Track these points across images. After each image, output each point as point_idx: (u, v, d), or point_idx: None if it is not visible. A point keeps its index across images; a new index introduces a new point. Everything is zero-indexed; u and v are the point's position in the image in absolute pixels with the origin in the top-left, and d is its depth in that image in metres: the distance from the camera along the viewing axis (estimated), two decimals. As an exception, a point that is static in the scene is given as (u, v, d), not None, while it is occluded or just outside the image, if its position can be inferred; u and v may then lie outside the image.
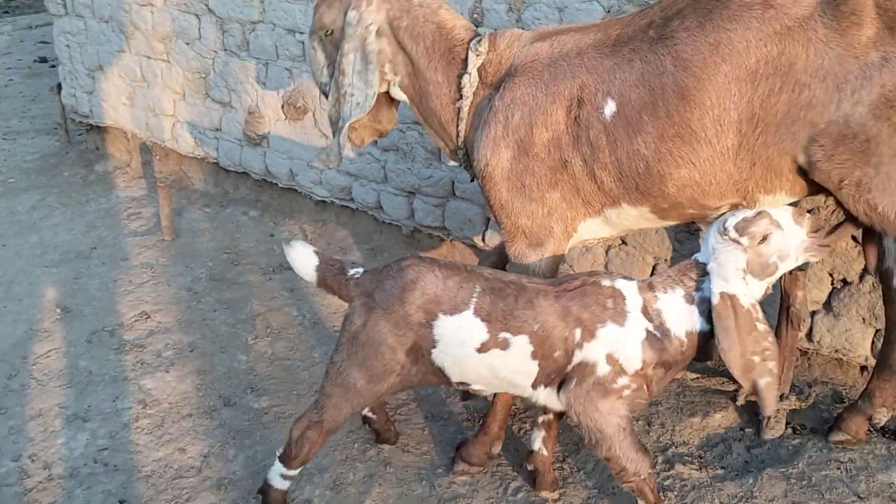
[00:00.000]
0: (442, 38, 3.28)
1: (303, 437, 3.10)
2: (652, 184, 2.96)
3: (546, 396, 3.02)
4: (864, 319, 3.74)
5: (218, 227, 6.00)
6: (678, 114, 2.83)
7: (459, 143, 3.36)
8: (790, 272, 3.26)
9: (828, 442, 3.48)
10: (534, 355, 2.90)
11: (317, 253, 3.16)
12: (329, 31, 3.38)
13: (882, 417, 3.43)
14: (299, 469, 3.20)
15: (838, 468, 3.35)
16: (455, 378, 3.03)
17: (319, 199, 5.89)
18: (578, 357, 2.89)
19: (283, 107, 5.81)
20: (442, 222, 5.18)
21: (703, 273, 2.86)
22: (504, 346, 2.90)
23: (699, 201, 2.98)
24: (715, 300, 2.78)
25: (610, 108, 2.93)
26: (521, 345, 2.89)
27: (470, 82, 3.23)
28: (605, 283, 2.93)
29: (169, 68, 6.51)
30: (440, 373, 3.02)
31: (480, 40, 3.22)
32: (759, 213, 2.80)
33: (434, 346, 2.95)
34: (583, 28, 3.13)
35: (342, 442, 3.71)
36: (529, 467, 3.39)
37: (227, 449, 3.70)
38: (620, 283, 2.94)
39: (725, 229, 2.80)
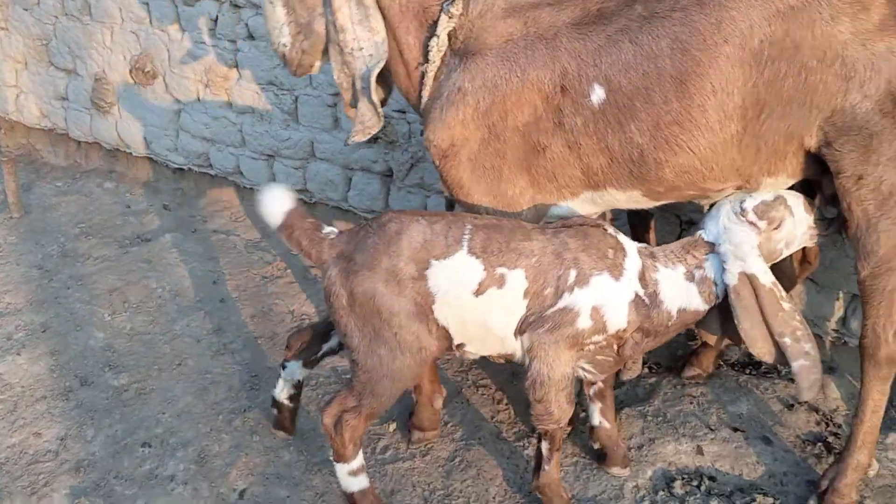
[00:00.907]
0: None
1: (341, 425, 2.87)
2: (647, 170, 2.80)
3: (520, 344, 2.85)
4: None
5: (70, 201, 5.74)
6: (677, 100, 2.65)
7: (421, 107, 3.14)
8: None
9: (681, 378, 3.62)
10: (525, 293, 2.73)
11: (291, 196, 2.91)
12: None
13: (731, 353, 3.58)
14: (357, 455, 2.96)
15: (691, 403, 3.50)
16: (457, 338, 2.83)
17: (177, 166, 5.70)
18: (565, 301, 2.72)
19: (131, 72, 5.57)
20: (304, 185, 5.10)
21: (708, 252, 2.78)
22: (500, 283, 2.70)
23: (699, 185, 2.83)
24: (733, 280, 2.69)
25: (598, 94, 2.74)
26: (517, 280, 2.71)
27: (438, 46, 3.00)
28: (610, 230, 2.80)
29: (8, 36, 6.15)
30: (446, 334, 2.81)
31: (454, 2, 2.97)
32: (777, 198, 2.73)
33: (434, 302, 2.73)
34: (559, 1, 2.88)
35: (206, 414, 3.63)
36: (595, 445, 3.23)
37: (84, 430, 3.57)
38: (623, 238, 2.81)
39: (744, 210, 2.71)
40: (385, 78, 3.23)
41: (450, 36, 3.00)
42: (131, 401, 3.75)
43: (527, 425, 3.47)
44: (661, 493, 3.09)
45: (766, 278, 2.69)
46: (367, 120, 3.15)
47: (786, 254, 2.85)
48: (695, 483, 3.10)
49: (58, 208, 5.64)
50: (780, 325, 2.69)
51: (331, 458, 2.99)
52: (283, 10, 3.15)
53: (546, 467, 2.94)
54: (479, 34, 2.93)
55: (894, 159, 2.56)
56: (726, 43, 2.57)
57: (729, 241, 2.72)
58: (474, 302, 2.72)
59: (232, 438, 3.49)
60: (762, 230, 2.71)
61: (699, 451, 3.24)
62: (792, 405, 3.45)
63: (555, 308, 2.73)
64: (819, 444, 3.26)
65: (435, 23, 3.01)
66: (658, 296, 2.77)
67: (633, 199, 2.97)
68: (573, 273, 2.71)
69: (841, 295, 3.61)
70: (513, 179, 2.97)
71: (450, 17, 2.97)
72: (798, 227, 2.78)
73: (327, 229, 2.88)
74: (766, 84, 2.58)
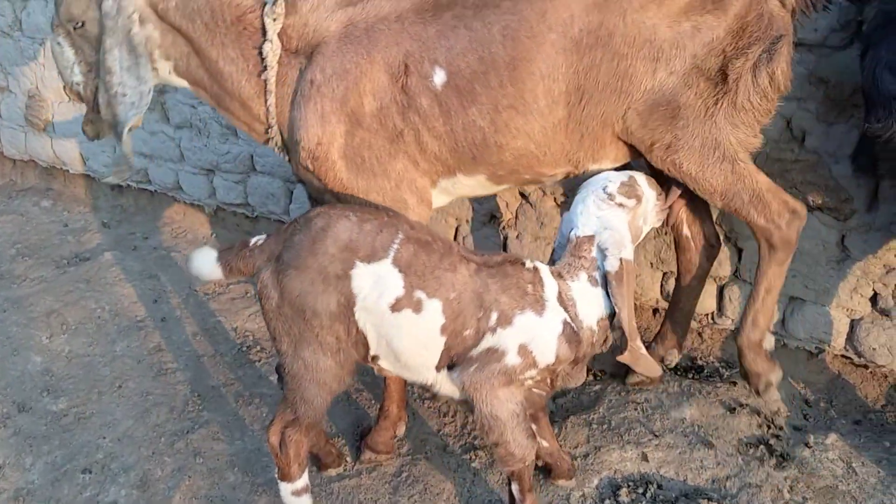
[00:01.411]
0: (224, 8, 3.00)
1: (285, 442, 2.83)
2: (490, 154, 2.91)
3: (445, 380, 2.76)
4: (651, 264, 3.92)
5: (5, 221, 5.62)
6: (511, 85, 2.78)
7: (271, 121, 3.10)
8: None
9: (625, 385, 3.64)
10: (443, 329, 2.62)
11: (211, 248, 2.83)
12: (79, 24, 3.05)
13: (673, 358, 3.61)
14: (302, 475, 2.92)
15: (635, 409, 3.52)
16: (372, 348, 2.73)
17: (115, 183, 5.61)
18: (489, 342, 2.63)
19: (65, 88, 5.46)
20: (245, 199, 5.05)
21: (590, 246, 2.70)
22: (417, 308, 2.60)
23: (535, 169, 2.98)
24: (615, 266, 2.63)
25: (440, 76, 2.82)
26: (434, 312, 2.60)
27: (273, 50, 2.98)
28: (528, 264, 2.70)
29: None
30: (364, 341, 2.70)
31: (275, 2, 2.97)
32: (630, 177, 2.76)
33: (355, 304, 2.62)
34: None
35: (148, 437, 3.57)
36: (539, 462, 3.15)
37: (23, 458, 3.49)
38: (538, 265, 2.72)
39: (610, 195, 2.70)
40: None
41: (281, 37, 2.98)
42: (71, 426, 3.67)
43: (473, 438, 3.47)
44: (607, 501, 3.10)
45: (632, 259, 2.69)
46: (122, 164, 3.16)
47: (645, 231, 2.88)
48: (640, 490, 3.12)
49: (-7, 229, 5.52)
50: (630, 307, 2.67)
51: (276, 477, 2.96)
52: (72, 49, 3.13)
53: None
54: (317, 27, 2.96)
55: (699, 119, 2.79)
56: (551, 31, 2.73)
57: (608, 229, 2.68)
58: (389, 316, 2.62)
59: (175, 461, 3.43)
60: (630, 209, 2.73)
61: (644, 457, 3.26)
62: (734, 408, 3.49)
63: (479, 349, 2.64)
64: (761, 446, 3.30)
65: (260, 28, 2.99)
66: (578, 315, 2.68)
67: (479, 185, 3.08)
68: (494, 315, 2.62)
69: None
70: (387, 171, 2.98)
71: (275, 19, 2.96)
72: (649, 203, 2.82)
73: (254, 238, 2.80)
74: (585, 71, 2.76)
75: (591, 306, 2.69)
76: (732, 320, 3.82)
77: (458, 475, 3.29)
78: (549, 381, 2.77)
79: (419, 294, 2.60)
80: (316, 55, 2.93)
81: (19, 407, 3.79)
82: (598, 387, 3.70)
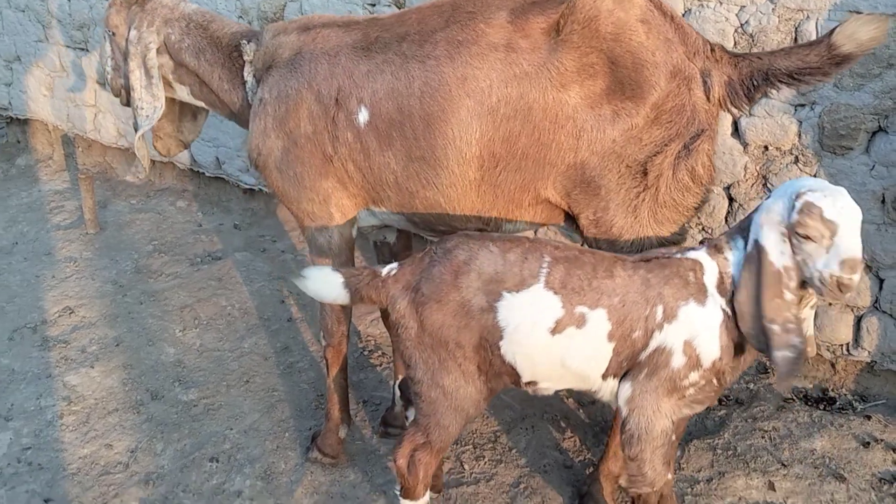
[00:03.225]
0: (219, 49, 3.39)
1: (414, 464, 2.79)
2: (402, 198, 3.01)
3: (608, 388, 2.67)
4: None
5: (144, 219, 5.87)
6: (424, 139, 2.86)
7: None
8: None
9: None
10: (610, 336, 2.54)
11: (336, 271, 2.81)
12: (113, 32, 3.54)
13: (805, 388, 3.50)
14: (426, 495, 2.88)
15: (762, 437, 3.42)
16: (526, 376, 2.67)
17: (248, 186, 5.80)
18: (657, 341, 2.54)
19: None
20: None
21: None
22: (581, 322, 2.52)
23: (447, 222, 3.03)
24: (750, 247, 2.47)
25: (363, 115, 2.95)
26: (599, 321, 2.53)
27: (251, 88, 3.32)
28: (689, 254, 2.59)
29: (88, 57, 6.35)
30: (513, 371, 2.66)
31: (249, 42, 3.32)
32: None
33: (502, 338, 2.58)
34: (347, 24, 3.13)
35: (273, 431, 3.67)
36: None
37: (154, 443, 3.63)
38: (697, 254, 2.59)
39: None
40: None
41: (255, 74, 3.30)
42: (200, 416, 3.80)
43: (593, 454, 3.43)
44: (731, 528, 3.02)
45: (779, 259, 2.41)
46: (138, 166, 3.62)
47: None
48: (766, 519, 3.03)
49: (132, 225, 5.77)
50: (770, 311, 2.41)
51: (397, 493, 2.91)
52: (109, 47, 3.61)
53: None
54: (274, 51, 3.20)
55: (621, 206, 2.81)
56: (468, 97, 2.78)
57: (766, 211, 2.45)
58: (550, 341, 2.55)
59: (298, 456, 3.52)
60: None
61: (771, 486, 3.17)
62: (868, 443, 3.35)
63: (648, 351, 2.55)
64: (895, 483, 3.17)
65: (242, 66, 3.35)
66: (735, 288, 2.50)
67: (402, 224, 3.16)
68: (659, 309, 2.52)
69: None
70: (315, 187, 3.13)
71: (250, 61, 3.31)
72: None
73: (386, 268, 2.75)
74: (502, 139, 2.80)
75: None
76: (869, 352, 3.67)
77: (577, 490, 3.26)
78: (715, 382, 2.59)
79: (580, 309, 2.53)
80: (267, 76, 3.18)
81: (152, 395, 3.95)
82: (722, 412, 3.62)
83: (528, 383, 2.71)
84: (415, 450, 2.80)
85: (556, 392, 3.43)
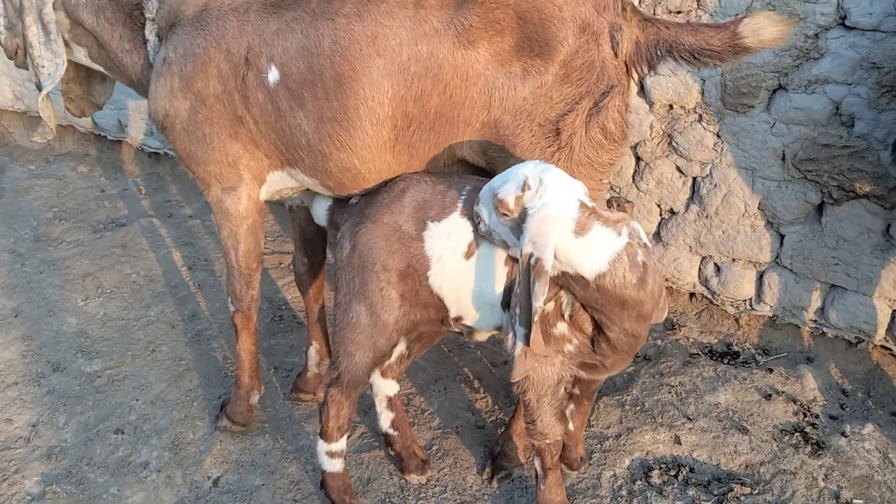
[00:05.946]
0: (119, 7, 3.22)
1: (327, 401, 2.84)
2: (315, 160, 2.93)
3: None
4: (690, 248, 3.88)
5: (43, 185, 5.66)
6: (336, 99, 2.79)
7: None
8: None
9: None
10: (507, 261, 2.58)
11: (327, 198, 3.08)
12: None
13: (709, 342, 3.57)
14: (342, 439, 2.92)
15: (669, 392, 3.49)
16: (453, 310, 2.70)
17: (152, 150, 5.63)
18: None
19: None
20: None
21: None
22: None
23: (361, 185, 2.97)
24: None
25: (273, 75, 2.85)
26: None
27: (154, 48, 3.17)
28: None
29: (-21, 16, 6.04)
30: (440, 303, 2.69)
31: (150, 1, 3.14)
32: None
33: (429, 268, 2.64)
34: None
35: (181, 401, 3.59)
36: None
37: (56, 416, 3.52)
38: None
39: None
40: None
41: (158, 34, 3.15)
42: (104, 387, 3.70)
43: (504, 414, 3.46)
44: (638, 482, 3.07)
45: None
46: (45, 126, 3.46)
47: None
48: (672, 473, 3.09)
49: (31, 192, 5.57)
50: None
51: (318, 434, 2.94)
52: (2, 5, 3.38)
53: (541, 486, 2.81)
54: (178, 7, 3.05)
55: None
56: (378, 56, 2.72)
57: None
58: (465, 267, 2.61)
59: (206, 426, 3.46)
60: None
61: (677, 440, 3.24)
62: (770, 395, 3.45)
63: None
64: (796, 433, 3.26)
65: (143, 25, 3.19)
66: None
67: (318, 187, 3.09)
68: None
69: (818, 285, 3.62)
70: (224, 147, 3.04)
71: (152, 20, 3.13)
72: None
73: (353, 199, 2.93)
74: (414, 99, 2.75)
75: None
76: (771, 307, 3.77)
77: (489, 450, 3.28)
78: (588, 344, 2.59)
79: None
80: (172, 34, 3.04)
81: (54, 367, 3.83)
82: (631, 369, 3.67)
83: (456, 319, 2.73)
84: (329, 385, 2.85)
85: (465, 350, 3.45)
